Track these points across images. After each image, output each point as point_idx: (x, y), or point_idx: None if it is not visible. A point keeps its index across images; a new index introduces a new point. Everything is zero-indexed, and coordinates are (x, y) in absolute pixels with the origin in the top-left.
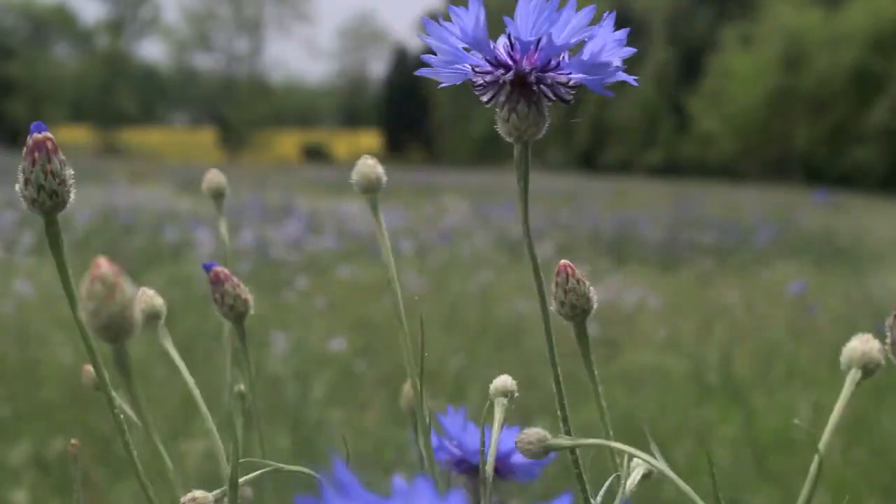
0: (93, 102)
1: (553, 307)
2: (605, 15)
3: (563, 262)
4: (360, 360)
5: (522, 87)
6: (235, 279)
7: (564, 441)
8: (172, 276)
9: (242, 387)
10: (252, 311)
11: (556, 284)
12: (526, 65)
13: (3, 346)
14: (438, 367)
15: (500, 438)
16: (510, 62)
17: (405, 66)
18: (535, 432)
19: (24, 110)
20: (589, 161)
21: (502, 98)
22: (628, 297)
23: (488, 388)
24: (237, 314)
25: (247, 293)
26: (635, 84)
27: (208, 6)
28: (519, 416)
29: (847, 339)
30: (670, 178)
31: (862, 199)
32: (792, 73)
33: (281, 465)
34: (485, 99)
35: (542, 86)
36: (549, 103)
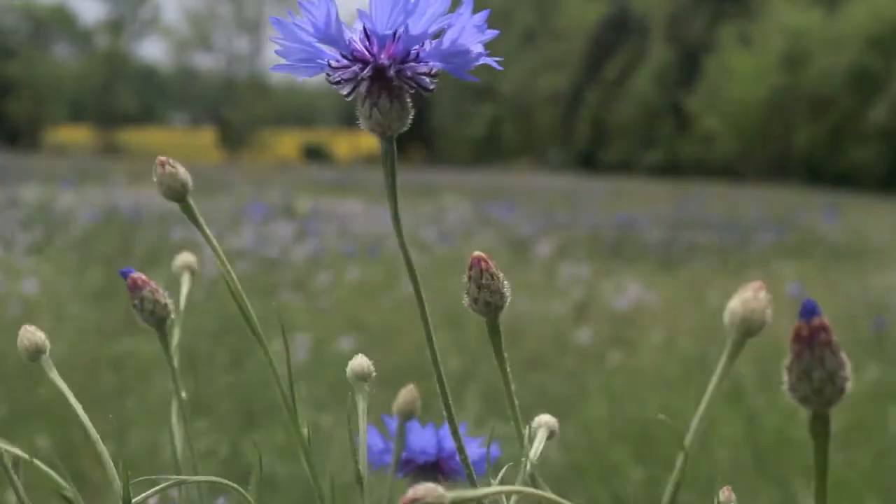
0: (93, 102)
1: (465, 302)
2: (464, 1)
3: (476, 254)
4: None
5: (383, 81)
6: (153, 284)
7: (468, 493)
8: (173, 278)
9: (184, 394)
10: (172, 315)
11: (469, 279)
12: (384, 58)
13: (2, 344)
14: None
15: (443, 436)
16: (368, 56)
17: None
18: (430, 489)
19: (24, 110)
20: (589, 161)
21: (362, 92)
22: (628, 297)
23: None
24: (158, 319)
25: (166, 298)
26: (499, 68)
27: (208, 6)
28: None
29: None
30: (670, 178)
31: (862, 198)
32: (792, 72)
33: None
34: (344, 93)
35: (403, 78)
36: (412, 92)
